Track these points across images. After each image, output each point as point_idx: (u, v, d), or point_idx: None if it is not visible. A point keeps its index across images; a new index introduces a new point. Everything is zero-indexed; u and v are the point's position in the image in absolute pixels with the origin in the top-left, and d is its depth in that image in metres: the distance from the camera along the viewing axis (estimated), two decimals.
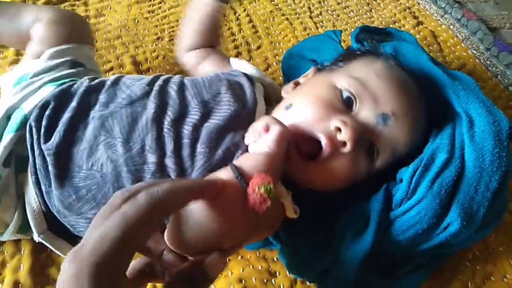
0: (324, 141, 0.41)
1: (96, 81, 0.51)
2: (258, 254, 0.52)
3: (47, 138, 0.44)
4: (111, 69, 0.72)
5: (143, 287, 0.32)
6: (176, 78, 0.50)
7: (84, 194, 0.43)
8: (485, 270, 0.53)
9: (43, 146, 0.44)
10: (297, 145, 0.42)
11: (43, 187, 0.44)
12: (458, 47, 0.81)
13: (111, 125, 0.44)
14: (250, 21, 0.85)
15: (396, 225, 0.43)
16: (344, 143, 0.41)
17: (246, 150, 0.43)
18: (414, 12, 0.90)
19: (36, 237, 0.45)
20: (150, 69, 0.73)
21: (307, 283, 0.50)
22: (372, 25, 0.86)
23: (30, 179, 0.44)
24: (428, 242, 0.43)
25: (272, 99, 0.53)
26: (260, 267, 0.51)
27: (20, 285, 0.47)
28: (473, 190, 0.41)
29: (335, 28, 0.85)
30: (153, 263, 0.33)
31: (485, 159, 0.42)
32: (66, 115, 0.46)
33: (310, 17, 0.87)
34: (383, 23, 0.88)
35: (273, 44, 0.80)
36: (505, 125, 0.43)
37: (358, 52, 0.53)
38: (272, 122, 0.40)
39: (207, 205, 0.31)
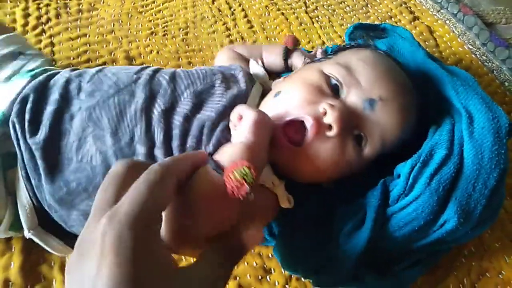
0: (309, 123, 0.40)
1: (78, 71, 0.50)
2: (252, 251, 0.52)
3: (33, 133, 0.43)
4: (104, 64, 0.70)
5: (180, 249, 0.32)
6: (168, 69, 0.50)
7: (75, 187, 0.42)
8: (481, 267, 0.53)
9: (29, 141, 0.43)
10: (284, 133, 0.41)
11: (33, 182, 0.43)
12: (454, 42, 0.81)
13: (98, 117, 0.43)
14: (245, 16, 0.84)
15: (393, 221, 0.42)
16: (330, 127, 0.40)
17: None
18: (410, 7, 0.89)
19: (27, 233, 0.44)
20: (144, 64, 0.71)
21: (302, 279, 0.50)
22: (368, 21, 0.85)
23: (20, 174, 0.43)
24: (425, 239, 0.43)
25: None
26: (255, 264, 0.51)
27: (10, 283, 0.46)
28: (471, 187, 0.41)
29: (330, 23, 0.84)
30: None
31: (484, 156, 0.42)
32: (50, 107, 0.44)
33: (306, 12, 0.86)
34: (379, 18, 0.87)
35: (268, 39, 0.79)
36: (505, 122, 0.43)
37: (348, 46, 0.53)
38: (244, 110, 0.39)
39: (188, 196, 0.31)
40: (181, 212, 0.31)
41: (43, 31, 0.74)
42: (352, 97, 0.43)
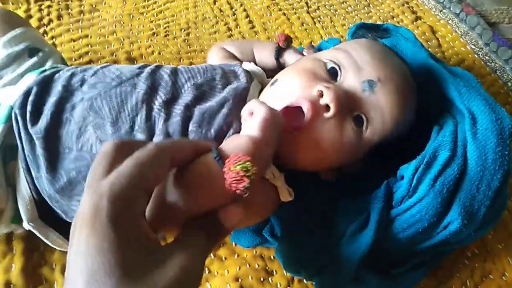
0: (306, 106, 0.40)
1: (83, 66, 0.50)
2: (254, 253, 0.52)
3: (34, 122, 0.44)
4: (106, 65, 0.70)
5: (164, 229, 0.32)
6: (169, 66, 0.50)
7: (75, 176, 0.42)
8: (484, 268, 0.52)
9: (31, 130, 0.43)
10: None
11: (33, 173, 0.43)
12: (456, 42, 0.80)
13: (100, 106, 0.44)
14: (247, 16, 0.83)
15: (397, 223, 0.42)
16: (327, 107, 0.40)
17: (238, 129, 0.42)
18: (413, 7, 0.89)
19: (26, 225, 0.44)
20: None
21: (304, 281, 0.50)
22: (370, 21, 0.85)
23: (21, 166, 0.44)
24: (428, 241, 0.43)
25: None
26: (256, 266, 0.51)
27: (12, 285, 0.46)
28: (475, 189, 0.41)
29: (332, 23, 0.84)
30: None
31: (487, 157, 0.41)
32: (52, 98, 0.45)
33: (308, 12, 0.86)
34: (381, 18, 0.87)
35: (270, 39, 0.79)
36: (508, 123, 0.43)
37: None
38: (255, 106, 0.38)
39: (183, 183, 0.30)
40: (171, 191, 0.30)
41: (45, 32, 0.74)
42: (350, 79, 0.43)
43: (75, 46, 0.72)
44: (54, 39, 0.73)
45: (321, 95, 0.40)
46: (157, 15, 0.81)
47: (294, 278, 0.50)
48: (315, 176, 0.47)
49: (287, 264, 0.44)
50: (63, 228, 0.45)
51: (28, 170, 0.44)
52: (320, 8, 0.88)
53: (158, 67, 0.49)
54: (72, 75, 0.48)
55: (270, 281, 0.50)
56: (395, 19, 0.86)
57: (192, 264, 0.25)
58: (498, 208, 0.44)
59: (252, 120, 0.37)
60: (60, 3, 0.79)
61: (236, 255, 0.51)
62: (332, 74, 0.43)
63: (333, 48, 0.47)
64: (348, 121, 0.42)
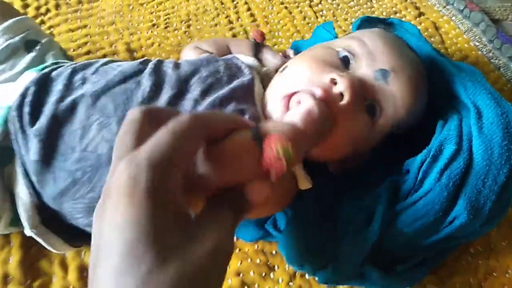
0: (318, 93, 0.39)
1: (83, 62, 0.49)
2: (256, 247, 0.51)
3: (33, 123, 0.42)
4: (104, 56, 0.69)
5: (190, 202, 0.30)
6: (170, 60, 0.49)
7: (80, 177, 0.41)
8: (487, 266, 0.52)
9: (29, 131, 0.41)
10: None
11: (34, 177, 0.42)
12: (460, 38, 0.80)
13: (104, 104, 0.42)
14: (249, 9, 0.82)
15: (402, 217, 0.42)
16: (341, 96, 0.39)
17: (251, 117, 0.41)
18: (416, 3, 0.88)
19: (28, 231, 0.43)
20: (145, 57, 0.70)
21: (307, 276, 0.49)
22: (373, 15, 0.84)
23: (19, 170, 0.42)
24: (434, 236, 0.42)
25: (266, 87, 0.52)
26: (258, 261, 0.50)
27: (9, 278, 0.45)
28: (480, 183, 0.40)
29: (335, 18, 0.83)
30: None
31: (493, 151, 0.41)
32: (52, 98, 0.43)
33: (310, 6, 0.85)
34: (383, 13, 0.86)
35: (271, 33, 0.78)
36: None
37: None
38: (304, 97, 0.36)
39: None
40: (200, 162, 0.29)
41: (42, 22, 0.73)
42: (363, 67, 0.42)
43: (73, 37, 0.71)
44: (51, 29, 0.72)
45: (334, 83, 0.39)
46: (157, 6, 0.80)
47: (296, 273, 0.49)
48: (321, 169, 0.47)
49: (291, 258, 0.44)
50: (64, 231, 0.44)
51: (26, 174, 0.42)
52: (322, 2, 0.87)
53: (160, 62, 0.48)
54: (73, 73, 0.46)
55: (272, 276, 0.49)
56: (397, 14, 0.86)
57: (223, 239, 0.25)
58: (504, 203, 0.43)
59: (298, 109, 0.36)
60: None
61: (238, 249, 0.51)
62: (345, 62, 0.43)
63: (346, 36, 0.46)
64: (361, 109, 0.41)
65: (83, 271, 0.47)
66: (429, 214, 0.40)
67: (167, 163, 0.24)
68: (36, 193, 0.42)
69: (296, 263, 0.44)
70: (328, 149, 0.42)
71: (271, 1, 0.84)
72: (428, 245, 0.43)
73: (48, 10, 0.75)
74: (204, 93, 0.44)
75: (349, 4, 0.87)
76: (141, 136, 0.26)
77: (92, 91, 0.43)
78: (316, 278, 0.46)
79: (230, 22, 0.79)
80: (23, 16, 0.56)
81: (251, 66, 0.51)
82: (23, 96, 0.43)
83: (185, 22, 0.78)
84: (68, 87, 0.44)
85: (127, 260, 0.21)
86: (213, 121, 0.28)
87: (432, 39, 0.79)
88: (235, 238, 0.51)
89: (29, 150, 0.41)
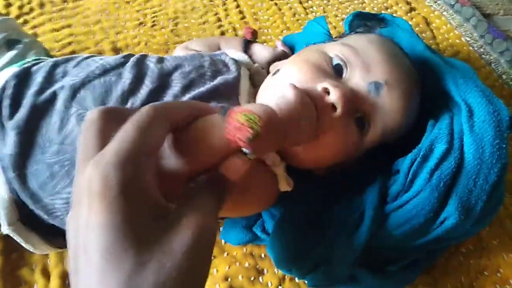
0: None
1: (64, 57, 0.48)
2: (245, 251, 0.50)
3: (11, 116, 0.41)
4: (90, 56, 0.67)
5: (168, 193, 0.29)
6: (154, 55, 0.48)
7: (58, 170, 0.40)
8: (479, 265, 0.51)
9: (8, 124, 0.41)
10: None
11: (11, 173, 0.40)
12: (451, 34, 0.79)
13: (83, 96, 0.42)
14: (238, 6, 0.81)
15: (392, 219, 0.41)
16: (333, 107, 0.38)
17: None
18: None
19: (5, 229, 0.42)
20: None
21: (296, 280, 0.48)
22: (365, 11, 0.83)
23: None
24: (424, 237, 0.41)
25: (258, 84, 0.51)
26: (247, 264, 0.49)
27: None
28: (472, 183, 0.40)
29: (325, 14, 0.82)
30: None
31: (484, 150, 0.40)
32: (32, 90, 0.43)
33: (300, 2, 0.83)
34: (375, 9, 0.85)
35: (261, 30, 0.77)
36: (505, 115, 0.41)
37: (352, 33, 0.51)
38: (284, 85, 0.35)
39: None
40: (169, 151, 0.28)
41: (26, 21, 0.71)
42: (356, 78, 0.40)
43: (58, 36, 0.70)
44: (35, 29, 0.70)
45: (327, 92, 0.38)
46: (144, 4, 0.78)
47: (286, 277, 0.48)
48: (309, 173, 0.46)
49: (279, 261, 0.43)
50: (43, 230, 0.43)
51: (6, 169, 0.41)
52: None
53: (144, 56, 0.47)
54: (54, 66, 0.45)
55: (261, 280, 0.48)
56: (389, 10, 0.85)
57: (204, 224, 0.24)
58: (495, 203, 0.43)
59: (275, 91, 0.34)
60: None
61: (226, 253, 0.50)
62: (338, 70, 0.41)
63: (340, 41, 0.44)
64: (350, 122, 0.40)
65: (65, 278, 0.46)
66: (419, 215, 0.39)
67: (135, 158, 0.23)
68: (14, 190, 0.41)
69: (284, 267, 0.43)
70: (313, 158, 0.41)
71: None
72: (419, 246, 0.43)
73: (31, 9, 0.73)
74: (185, 88, 0.43)
75: (339, 0, 0.86)
76: (103, 135, 0.25)
77: (71, 83, 0.42)
78: (306, 282, 0.45)
79: (219, 19, 0.78)
80: (5, 17, 0.55)
81: (241, 61, 0.50)
82: (3, 89, 0.43)
83: (172, 20, 0.76)
84: (48, 79, 0.44)
85: (108, 263, 0.21)
86: (175, 109, 0.28)
87: (424, 35, 0.78)
88: (222, 242, 0.50)
89: (5, 144, 0.40)
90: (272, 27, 0.78)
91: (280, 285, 0.48)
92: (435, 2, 0.84)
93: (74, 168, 0.38)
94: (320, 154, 0.40)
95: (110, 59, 0.46)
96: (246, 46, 0.57)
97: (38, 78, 0.44)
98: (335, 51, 0.42)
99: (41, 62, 0.48)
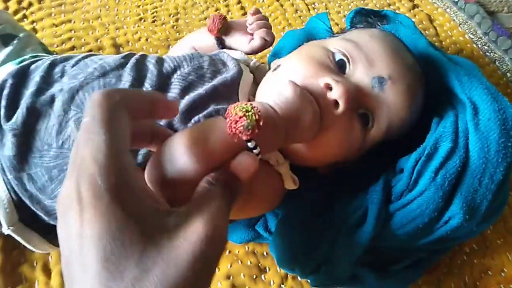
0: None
1: (62, 56, 0.47)
2: (247, 249, 0.49)
3: (9, 117, 0.41)
4: (90, 51, 0.67)
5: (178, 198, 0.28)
6: (154, 55, 0.47)
7: (57, 175, 0.39)
8: (483, 264, 0.51)
9: (5, 126, 0.40)
10: None
11: (9, 173, 0.40)
12: (455, 31, 0.78)
13: (81, 99, 0.41)
14: (239, 2, 0.80)
15: (396, 218, 0.40)
16: (336, 103, 0.37)
17: None
18: None
19: (6, 229, 0.41)
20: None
21: (299, 278, 0.48)
22: (367, 7, 0.82)
23: None
24: (428, 237, 0.41)
25: (259, 80, 0.50)
26: (249, 263, 0.49)
27: None
28: (477, 182, 0.39)
29: (327, 10, 0.81)
30: None
31: (490, 149, 0.40)
32: (29, 90, 0.42)
33: None
34: (377, 5, 0.84)
35: None
36: (511, 113, 0.41)
37: (353, 29, 0.50)
38: (286, 83, 0.34)
39: (187, 137, 0.27)
40: (169, 155, 0.27)
41: (25, 16, 0.70)
42: (359, 73, 0.40)
43: (57, 32, 0.69)
44: (34, 24, 0.69)
45: (329, 88, 0.37)
46: (144, 0, 0.77)
47: (288, 275, 0.48)
48: (312, 171, 0.45)
49: (282, 260, 0.42)
50: (44, 229, 0.42)
51: (3, 170, 0.40)
52: None
53: (144, 57, 0.46)
54: (52, 65, 0.44)
55: (263, 278, 0.48)
56: (391, 7, 0.84)
57: (214, 229, 0.23)
58: (501, 202, 0.43)
59: (274, 88, 0.33)
60: None
61: (228, 251, 0.49)
62: (340, 66, 0.41)
63: (343, 36, 0.44)
64: (354, 118, 0.39)
65: None
66: (423, 214, 0.39)
67: (117, 158, 0.22)
68: (14, 190, 0.41)
69: (287, 266, 0.42)
70: (316, 155, 0.40)
71: None
72: (423, 246, 0.42)
73: (30, 4, 0.72)
74: (184, 91, 0.42)
75: None
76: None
77: (70, 85, 0.41)
78: (308, 281, 0.45)
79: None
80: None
81: (239, 59, 0.49)
82: (1, 89, 0.42)
83: (173, 16, 0.75)
84: (46, 79, 0.43)
85: (110, 272, 0.20)
86: (128, 96, 0.26)
87: (427, 32, 0.78)
88: None
89: (4, 146, 0.40)
90: (274, 23, 0.77)
91: (283, 284, 0.47)
92: None
93: None
94: (323, 151, 0.40)
95: (110, 59, 0.45)
96: (221, 42, 0.54)
97: (35, 78, 0.43)
98: (337, 46, 0.41)
99: (39, 59, 0.47)
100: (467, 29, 0.77)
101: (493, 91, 0.44)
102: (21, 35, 0.53)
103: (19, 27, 0.56)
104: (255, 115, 0.26)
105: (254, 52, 0.52)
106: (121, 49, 0.68)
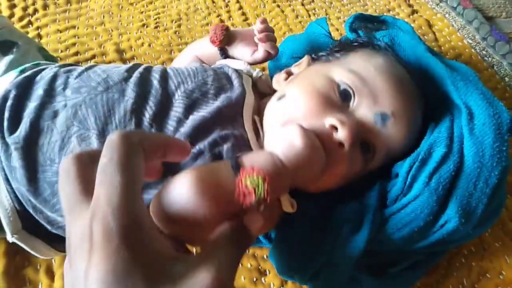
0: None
1: (67, 67, 0.47)
2: (247, 252, 0.50)
3: (12, 130, 0.41)
4: (93, 57, 0.68)
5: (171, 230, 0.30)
6: (159, 67, 0.47)
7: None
8: (481, 267, 0.51)
9: (8, 140, 0.40)
10: None
11: (13, 184, 0.41)
12: (453, 36, 0.79)
13: (84, 115, 0.41)
14: (240, 8, 0.81)
15: (391, 222, 0.41)
16: (340, 144, 0.39)
17: (235, 143, 0.40)
18: (409, 0, 0.87)
19: (10, 238, 0.42)
20: (135, 57, 0.69)
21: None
22: (367, 13, 0.83)
23: (0, 175, 0.41)
24: (424, 240, 0.41)
25: (262, 91, 0.51)
26: (249, 265, 0.49)
27: None
28: (472, 186, 0.40)
29: (327, 16, 0.82)
30: None
31: (485, 153, 0.40)
32: (32, 103, 0.42)
33: (302, 4, 0.84)
34: (377, 11, 0.85)
35: None
36: (506, 118, 0.41)
37: (356, 44, 0.50)
38: (292, 128, 0.36)
39: (194, 180, 0.28)
40: (175, 204, 0.28)
41: (30, 22, 0.72)
42: (363, 109, 0.41)
43: (61, 37, 0.70)
44: (39, 30, 0.71)
45: (334, 128, 0.38)
46: (147, 6, 0.79)
47: None
48: None
49: (280, 269, 0.43)
50: (48, 235, 0.43)
51: (7, 180, 0.41)
52: (315, 0, 0.86)
53: (148, 71, 0.46)
54: (55, 77, 0.44)
55: (263, 281, 0.48)
56: (391, 12, 0.85)
57: (223, 276, 0.23)
58: (496, 206, 0.43)
59: (284, 136, 0.35)
60: None
61: None
62: (345, 96, 0.41)
63: (348, 68, 0.43)
64: (356, 149, 0.40)
65: None
66: (418, 218, 0.39)
67: (131, 201, 0.23)
68: (17, 199, 0.41)
69: (285, 274, 0.43)
70: (318, 186, 0.41)
71: (263, 0, 0.83)
72: (419, 249, 0.43)
73: (36, 11, 0.74)
74: (188, 109, 0.42)
75: (342, 2, 0.86)
76: (82, 180, 0.25)
77: (73, 101, 0.42)
78: (308, 287, 0.45)
79: (222, 21, 0.78)
80: None
81: (242, 71, 0.50)
82: (4, 99, 0.42)
83: (175, 22, 0.77)
84: (49, 92, 0.43)
85: None
86: (145, 139, 0.27)
87: (426, 37, 0.79)
88: None
89: (9, 156, 0.40)
90: (274, 29, 0.78)
91: (282, 286, 0.48)
92: (437, 4, 0.84)
93: None
94: (325, 183, 0.41)
95: (113, 72, 0.45)
96: (224, 53, 0.54)
97: (39, 91, 0.43)
98: (343, 78, 0.42)
99: (41, 68, 0.47)
100: (465, 34, 0.78)
101: (489, 96, 0.44)
102: (20, 42, 0.53)
103: (17, 31, 0.56)
104: (265, 193, 0.27)
105: (257, 63, 0.53)
106: (124, 54, 0.69)
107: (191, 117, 0.41)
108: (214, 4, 0.81)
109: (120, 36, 0.72)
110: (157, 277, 0.22)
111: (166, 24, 0.76)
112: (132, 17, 0.76)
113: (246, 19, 0.79)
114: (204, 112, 0.42)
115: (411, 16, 0.83)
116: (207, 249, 0.25)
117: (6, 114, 0.41)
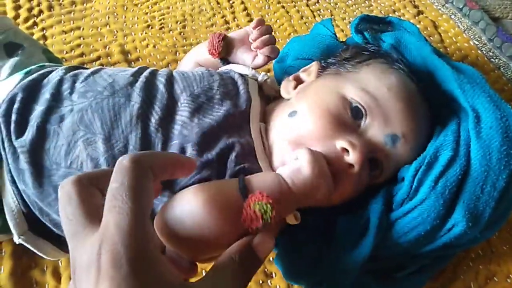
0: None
1: (73, 72, 0.47)
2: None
3: (19, 134, 0.41)
4: (98, 58, 0.68)
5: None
6: (164, 71, 0.47)
7: None
8: (488, 270, 0.51)
9: (15, 143, 0.40)
10: None
11: (19, 186, 0.41)
12: (459, 37, 0.79)
13: (91, 119, 0.41)
14: (245, 9, 0.81)
15: (397, 227, 0.41)
16: (350, 165, 0.39)
17: (241, 152, 0.40)
18: (415, 1, 0.87)
19: (16, 239, 0.42)
20: (140, 59, 0.69)
21: None
22: (372, 14, 0.83)
23: (6, 177, 0.41)
24: (431, 244, 0.41)
25: (267, 94, 0.51)
26: None
27: None
28: (479, 190, 0.39)
29: (333, 17, 0.82)
30: None
31: (492, 157, 0.40)
32: (39, 107, 0.42)
33: (307, 5, 0.84)
34: (382, 12, 0.85)
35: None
36: None
37: (367, 53, 0.49)
38: (302, 153, 0.37)
39: (202, 199, 0.29)
40: (182, 226, 0.29)
41: (35, 24, 0.72)
42: (375, 130, 0.41)
43: (66, 38, 0.70)
44: (44, 31, 0.71)
45: (345, 150, 0.39)
46: (151, 7, 0.79)
47: None
48: None
49: (287, 274, 0.43)
50: (55, 237, 0.43)
51: (14, 182, 0.41)
52: (320, 1, 0.85)
53: (153, 75, 0.46)
54: (61, 81, 0.44)
55: (269, 283, 0.48)
56: (396, 13, 0.84)
57: None
58: (504, 209, 0.42)
59: (291, 164, 0.36)
60: None
61: None
62: (356, 114, 0.42)
63: (361, 86, 0.43)
64: (365, 169, 0.41)
65: None
66: (425, 222, 0.39)
67: (140, 227, 0.23)
68: (23, 201, 0.41)
69: (292, 280, 0.43)
70: (323, 203, 0.41)
71: (267, 1, 0.83)
72: (426, 253, 0.43)
73: (41, 12, 0.74)
74: (194, 113, 0.42)
75: (347, 3, 0.86)
76: (86, 204, 0.25)
77: (80, 106, 0.42)
78: None
79: (226, 22, 0.78)
80: (0, 16, 0.55)
81: (247, 75, 0.49)
82: (11, 101, 0.43)
83: (180, 23, 0.77)
84: (55, 97, 0.43)
85: None
86: (155, 160, 0.28)
87: (431, 38, 0.78)
88: None
89: (17, 159, 0.40)
90: (279, 30, 0.78)
91: None
92: (443, 5, 0.83)
93: None
94: (330, 202, 0.41)
95: (119, 76, 0.45)
96: (225, 62, 0.54)
97: (45, 95, 0.43)
98: (355, 97, 0.42)
99: (47, 70, 0.47)
100: (471, 35, 0.78)
101: (496, 98, 0.44)
102: (25, 44, 0.53)
103: (21, 33, 0.56)
104: (271, 219, 0.29)
105: (258, 67, 0.53)
106: (129, 55, 0.69)
107: (196, 121, 0.41)
108: (219, 5, 0.81)
109: (125, 37, 0.72)
110: None
111: (171, 25, 0.76)
112: (137, 18, 0.76)
113: (251, 20, 0.79)
114: (210, 120, 0.42)
115: (416, 17, 0.83)
116: (214, 274, 0.26)
117: (13, 117, 0.41)
